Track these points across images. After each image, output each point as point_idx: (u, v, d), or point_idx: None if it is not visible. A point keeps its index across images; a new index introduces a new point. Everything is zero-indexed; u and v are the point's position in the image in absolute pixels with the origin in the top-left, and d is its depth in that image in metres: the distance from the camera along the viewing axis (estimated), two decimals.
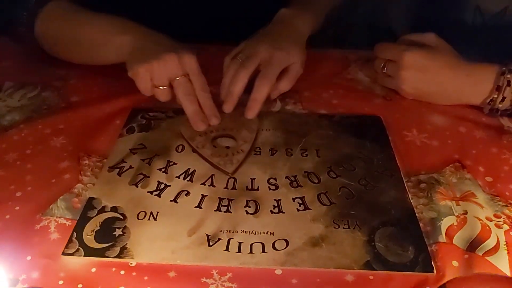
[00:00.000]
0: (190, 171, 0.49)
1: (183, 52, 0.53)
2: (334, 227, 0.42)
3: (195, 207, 0.45)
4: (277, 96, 0.60)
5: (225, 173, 0.48)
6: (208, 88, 0.55)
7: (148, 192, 0.46)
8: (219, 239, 0.41)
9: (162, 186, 0.47)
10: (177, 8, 0.72)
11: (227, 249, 0.40)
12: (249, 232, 0.42)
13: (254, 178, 0.48)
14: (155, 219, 0.43)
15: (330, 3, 0.73)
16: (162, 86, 0.54)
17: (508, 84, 0.54)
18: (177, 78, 0.53)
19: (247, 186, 0.47)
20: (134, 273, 0.39)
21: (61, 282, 0.38)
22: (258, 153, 0.52)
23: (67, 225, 0.43)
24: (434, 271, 0.39)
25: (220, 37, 0.69)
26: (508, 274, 0.38)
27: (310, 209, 0.44)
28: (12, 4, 0.62)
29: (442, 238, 0.42)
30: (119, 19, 0.59)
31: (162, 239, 0.41)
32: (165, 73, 0.53)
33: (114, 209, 0.44)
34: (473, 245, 0.41)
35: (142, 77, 0.53)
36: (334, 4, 0.73)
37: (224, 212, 0.44)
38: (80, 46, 0.61)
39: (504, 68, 0.54)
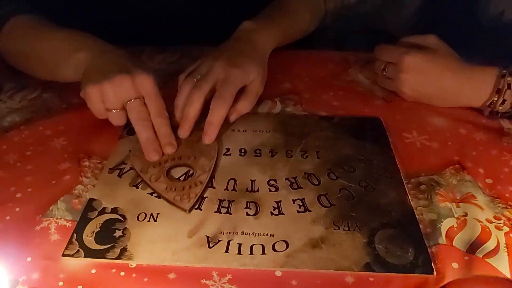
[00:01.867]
0: (190, 173, 0.49)
1: (138, 72, 0.50)
2: (334, 229, 0.42)
3: (195, 208, 0.45)
4: (236, 118, 0.55)
5: (183, 210, 0.44)
6: (166, 113, 0.51)
7: (148, 193, 0.47)
8: (219, 241, 0.41)
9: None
10: (174, 9, 0.72)
11: (227, 251, 0.40)
12: (249, 233, 0.42)
13: (254, 180, 0.48)
14: (155, 220, 0.43)
15: (302, 18, 0.70)
16: (115, 110, 0.50)
17: (509, 87, 0.54)
18: (131, 101, 0.50)
19: (247, 188, 0.47)
20: (134, 275, 0.39)
21: (61, 283, 0.38)
22: (259, 154, 0.52)
23: (67, 226, 0.43)
24: (434, 273, 0.39)
25: (219, 39, 0.69)
26: (508, 276, 0.38)
27: (310, 211, 0.44)
28: None
29: (442, 240, 0.42)
30: (78, 34, 0.56)
31: (162, 240, 0.41)
32: (117, 96, 0.49)
33: (114, 210, 0.44)
34: (473, 247, 0.41)
35: (93, 99, 0.49)
36: (308, 20, 0.71)
37: (224, 213, 0.44)
38: (40, 64, 0.58)
39: (504, 71, 0.54)
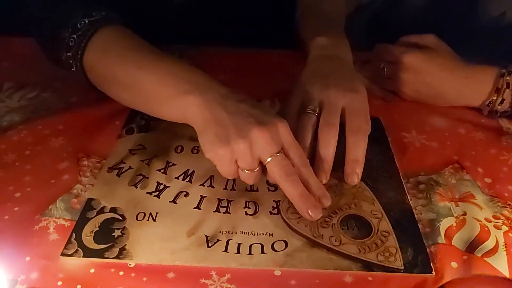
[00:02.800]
0: (189, 172, 0.49)
1: (274, 122, 0.42)
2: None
3: (194, 208, 0.45)
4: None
5: (398, 271, 0.39)
6: (308, 161, 0.44)
7: (147, 193, 0.46)
8: (218, 240, 0.41)
9: (161, 187, 0.47)
10: (177, 9, 0.72)
11: (226, 250, 0.40)
12: (248, 233, 0.42)
13: None
14: (154, 220, 0.43)
15: (343, 14, 0.68)
16: (251, 170, 0.43)
17: (508, 86, 0.54)
18: (271, 158, 0.42)
19: (246, 187, 0.47)
20: (133, 274, 0.39)
21: (60, 283, 0.38)
22: None
23: (66, 226, 0.43)
24: (433, 272, 0.39)
25: (219, 39, 0.69)
26: (507, 275, 0.38)
27: None
28: (55, 23, 0.52)
29: (441, 239, 0.42)
30: (180, 67, 0.47)
31: (161, 240, 0.41)
32: (255, 155, 0.41)
33: (113, 210, 0.44)
34: (472, 246, 0.41)
35: (226, 161, 0.42)
36: (345, 15, 0.70)
37: (223, 213, 0.44)
38: (137, 96, 0.49)
39: (503, 70, 0.55)
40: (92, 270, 0.39)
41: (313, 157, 0.46)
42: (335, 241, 0.41)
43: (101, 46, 0.50)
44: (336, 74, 0.51)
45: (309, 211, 0.41)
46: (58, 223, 0.43)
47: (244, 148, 0.41)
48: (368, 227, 0.43)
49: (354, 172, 0.46)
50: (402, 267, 0.39)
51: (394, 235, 0.42)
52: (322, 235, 0.41)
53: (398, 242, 0.41)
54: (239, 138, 0.41)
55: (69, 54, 0.51)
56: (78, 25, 0.50)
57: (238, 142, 0.41)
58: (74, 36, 0.50)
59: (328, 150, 0.45)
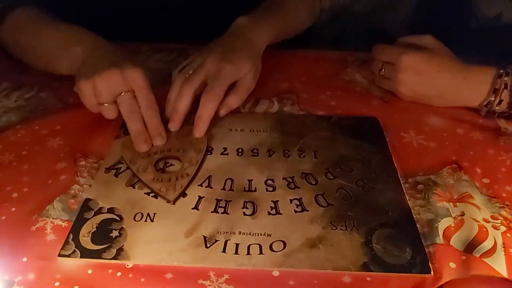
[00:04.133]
0: (179, 165, 0.49)
1: (128, 66, 0.51)
2: (332, 229, 0.42)
3: (192, 208, 0.45)
4: (226, 112, 0.56)
5: (167, 201, 0.45)
6: (156, 106, 0.52)
7: (145, 193, 0.46)
8: (216, 241, 0.41)
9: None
10: (173, 8, 0.72)
11: (224, 251, 0.40)
12: (247, 233, 0.42)
13: (252, 180, 0.48)
14: (152, 220, 0.43)
15: (297, 14, 0.70)
16: (107, 103, 0.52)
17: (505, 87, 0.54)
18: (121, 94, 0.51)
19: (244, 187, 0.47)
20: (130, 275, 0.38)
21: (57, 283, 0.38)
22: (256, 154, 0.52)
23: (63, 226, 0.43)
24: (431, 272, 0.39)
25: (212, 37, 0.69)
26: (505, 275, 0.38)
27: (308, 211, 0.44)
28: None
29: (439, 239, 0.42)
30: (76, 29, 0.58)
31: (159, 240, 0.41)
32: (107, 89, 0.51)
33: (110, 210, 0.44)
34: (470, 247, 0.41)
35: (85, 93, 0.51)
36: (303, 17, 0.71)
37: (221, 213, 0.44)
38: (37, 56, 0.60)
39: (501, 71, 0.54)
40: (90, 271, 0.39)
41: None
42: (141, 169, 0.48)
43: (12, 23, 0.60)
44: (226, 47, 0.57)
45: (138, 144, 0.50)
46: (55, 224, 0.43)
47: (99, 84, 0.50)
48: (178, 165, 0.49)
49: (197, 126, 0.52)
50: (172, 200, 0.44)
51: (190, 179, 0.47)
52: (136, 162, 0.49)
53: (187, 184, 0.46)
54: (97, 75, 0.50)
55: None
56: None
57: (95, 79, 0.50)
58: None
59: (179, 102, 0.53)
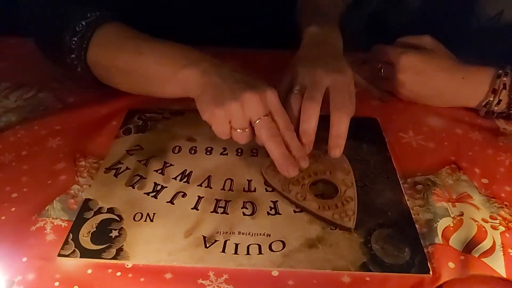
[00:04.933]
0: (187, 173, 0.49)
1: (264, 88, 0.46)
2: (331, 229, 0.42)
3: (192, 208, 0.45)
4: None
5: (346, 230, 0.42)
6: (293, 127, 0.47)
7: (144, 193, 0.46)
8: (216, 241, 0.41)
9: (159, 187, 0.47)
10: (176, 10, 0.72)
11: (223, 251, 0.40)
12: (246, 233, 0.42)
13: (251, 180, 0.48)
14: (151, 220, 0.43)
15: (338, 10, 0.69)
16: (242, 129, 0.47)
17: (504, 87, 0.54)
18: (260, 119, 0.46)
19: (244, 188, 0.47)
20: (130, 275, 0.38)
21: (57, 283, 0.38)
22: (255, 154, 0.52)
23: (63, 226, 0.43)
24: (430, 272, 0.39)
25: (219, 39, 0.69)
26: (504, 275, 0.38)
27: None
28: (56, 29, 0.55)
29: (438, 239, 0.42)
30: (178, 47, 0.52)
31: (159, 240, 0.41)
32: (246, 115, 0.46)
33: (110, 210, 0.44)
34: (469, 247, 0.41)
35: (220, 120, 0.46)
36: (341, 11, 0.71)
37: (221, 213, 0.44)
38: (140, 79, 0.53)
39: (500, 71, 0.55)
40: (89, 271, 0.39)
41: (297, 133, 0.48)
42: (300, 197, 0.45)
43: (101, 43, 0.54)
44: (323, 57, 0.54)
45: (288, 168, 0.46)
46: (55, 224, 0.43)
47: (236, 109, 0.45)
48: (335, 192, 0.46)
49: (336, 146, 0.48)
50: (353, 227, 0.42)
51: (356, 202, 0.44)
52: (291, 190, 0.46)
53: (357, 208, 0.44)
54: (233, 99, 0.45)
55: (73, 56, 0.54)
56: (77, 28, 0.53)
57: (231, 103, 0.45)
58: (75, 39, 0.53)
59: (309, 122, 0.48)
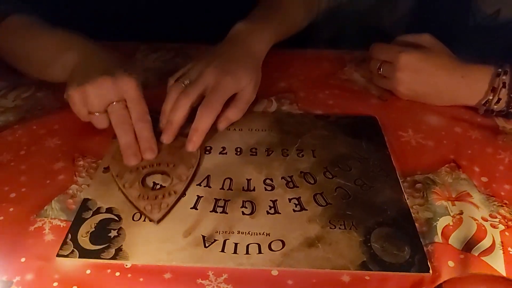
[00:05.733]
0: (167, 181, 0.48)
1: (121, 75, 0.48)
2: (330, 228, 0.42)
3: (191, 208, 0.45)
4: (225, 126, 0.54)
5: (151, 221, 0.43)
6: (148, 118, 0.50)
7: None
8: (215, 240, 0.41)
9: (158, 187, 0.47)
10: (173, 7, 0.72)
11: (223, 250, 0.40)
12: (245, 233, 0.42)
13: (250, 179, 0.48)
14: (150, 220, 0.43)
15: (295, 15, 0.68)
16: (97, 113, 0.49)
17: (504, 86, 0.54)
18: (112, 104, 0.49)
19: (243, 187, 0.47)
20: (129, 275, 0.38)
21: (55, 284, 0.38)
22: (254, 153, 0.52)
23: (61, 226, 0.43)
24: (430, 271, 0.39)
25: (216, 37, 0.69)
26: (504, 274, 0.38)
27: (306, 210, 0.44)
28: None
29: (438, 238, 0.42)
30: (68, 34, 0.56)
31: (158, 240, 0.41)
32: (98, 98, 0.48)
33: (109, 210, 0.44)
34: (469, 245, 0.41)
35: (76, 101, 0.49)
36: (301, 16, 0.70)
37: (220, 213, 0.44)
38: (29, 63, 0.58)
39: (499, 70, 0.55)
40: (88, 271, 0.39)
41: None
42: (127, 184, 0.46)
43: (5, 31, 0.58)
44: (225, 57, 0.55)
45: (128, 158, 0.48)
46: (53, 224, 0.43)
47: (90, 92, 0.48)
48: (166, 181, 0.47)
49: (191, 139, 0.50)
50: (156, 220, 0.42)
51: (176, 197, 0.44)
52: (123, 177, 0.47)
53: (174, 203, 0.44)
54: (88, 83, 0.48)
55: None
56: None
57: (86, 87, 0.48)
58: None
59: (174, 114, 0.50)
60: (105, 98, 0.48)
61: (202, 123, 0.50)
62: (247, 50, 0.57)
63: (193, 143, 0.50)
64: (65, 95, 0.50)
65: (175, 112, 0.50)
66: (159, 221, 0.43)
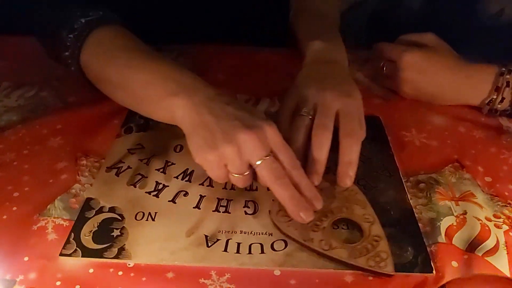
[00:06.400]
0: (189, 172, 0.49)
1: (261, 125, 0.41)
2: (333, 228, 0.42)
3: (194, 207, 0.45)
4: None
5: (388, 276, 0.38)
6: (298, 162, 0.42)
7: (146, 192, 0.46)
8: (218, 240, 0.41)
9: (160, 186, 0.47)
10: (175, 8, 0.72)
11: (225, 250, 0.40)
12: (248, 232, 0.42)
13: None
14: (153, 219, 0.43)
15: (338, 11, 0.69)
16: (241, 174, 0.42)
17: (507, 85, 0.54)
18: (261, 161, 0.41)
19: (245, 187, 0.47)
20: (132, 274, 0.38)
21: (58, 283, 0.38)
22: None
23: (64, 225, 0.43)
24: (434, 271, 0.38)
25: (218, 38, 0.69)
26: (508, 274, 0.38)
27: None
28: (55, 23, 0.52)
29: (442, 238, 0.41)
30: (170, 68, 0.46)
31: (160, 239, 0.41)
32: (243, 159, 0.40)
33: (112, 209, 0.44)
34: (472, 246, 0.41)
35: (214, 165, 0.41)
36: (341, 11, 0.70)
37: (223, 212, 0.44)
38: (128, 96, 0.49)
39: (503, 69, 0.54)
40: (91, 270, 0.39)
41: (306, 160, 0.45)
42: (325, 245, 0.40)
43: (95, 46, 0.50)
44: (331, 78, 0.51)
45: (300, 213, 0.40)
46: (56, 223, 0.43)
47: (231, 153, 0.40)
48: (359, 231, 0.42)
49: (347, 174, 0.45)
50: (393, 273, 0.38)
51: (386, 240, 0.41)
52: (312, 239, 0.41)
53: (390, 247, 0.40)
54: (226, 142, 0.40)
55: (67, 53, 0.51)
56: (75, 25, 0.50)
57: (225, 147, 0.40)
58: (71, 36, 0.50)
59: (321, 151, 0.44)
60: (253, 156, 0.41)
61: (354, 154, 0.45)
62: (341, 66, 0.55)
63: (350, 178, 0.45)
64: (197, 159, 0.42)
65: (321, 149, 0.44)
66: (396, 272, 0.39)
